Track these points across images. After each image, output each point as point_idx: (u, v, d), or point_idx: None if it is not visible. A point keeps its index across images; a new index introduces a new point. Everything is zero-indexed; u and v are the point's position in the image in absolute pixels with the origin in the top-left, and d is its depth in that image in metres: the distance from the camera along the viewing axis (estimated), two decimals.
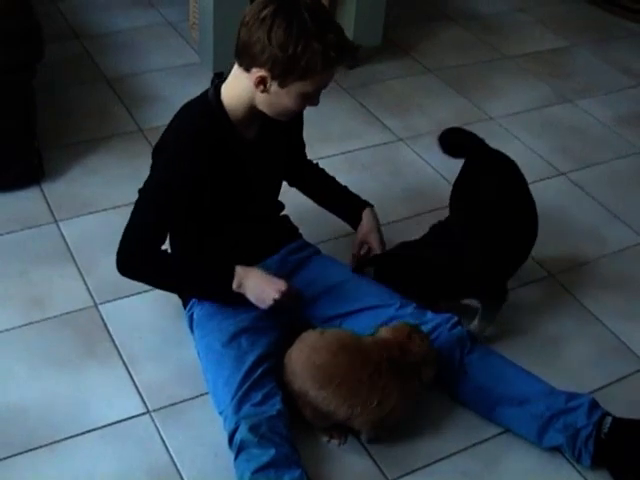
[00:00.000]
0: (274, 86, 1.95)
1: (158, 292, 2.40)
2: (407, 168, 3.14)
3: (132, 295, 2.46)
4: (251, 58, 1.93)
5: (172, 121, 2.10)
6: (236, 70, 2.02)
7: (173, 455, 2.06)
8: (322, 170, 2.49)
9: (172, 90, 3.37)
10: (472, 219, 2.35)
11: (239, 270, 2.10)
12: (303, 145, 2.42)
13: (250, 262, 2.16)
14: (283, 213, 2.45)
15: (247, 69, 1.96)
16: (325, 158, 2.98)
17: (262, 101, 2.01)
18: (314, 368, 2.03)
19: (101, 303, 2.45)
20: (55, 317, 2.39)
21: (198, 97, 2.11)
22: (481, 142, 2.52)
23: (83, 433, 2.09)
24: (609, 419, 2.07)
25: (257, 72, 1.94)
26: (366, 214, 2.40)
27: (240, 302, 2.13)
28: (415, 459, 2.09)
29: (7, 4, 2.65)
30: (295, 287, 2.15)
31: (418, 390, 2.10)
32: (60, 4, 4.01)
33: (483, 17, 4.31)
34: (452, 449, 2.12)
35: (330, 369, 2.02)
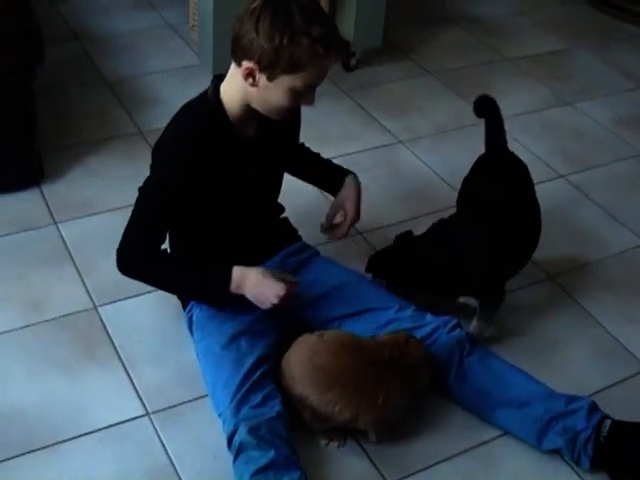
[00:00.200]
0: (263, 79, 1.95)
1: (158, 294, 2.41)
2: (406, 170, 3.14)
3: (131, 297, 2.46)
4: (241, 51, 1.94)
5: (172, 121, 2.10)
6: (232, 68, 2.02)
7: (172, 457, 2.06)
8: (305, 147, 2.48)
9: (172, 92, 3.37)
10: (475, 219, 2.36)
11: (237, 272, 2.09)
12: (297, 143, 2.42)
13: (249, 262, 2.15)
14: (283, 215, 2.45)
15: (239, 63, 1.97)
16: None
17: (254, 97, 2.01)
18: (317, 371, 2.03)
19: (100, 305, 2.45)
20: (54, 319, 2.39)
21: (198, 97, 2.12)
22: (499, 141, 2.52)
23: (82, 435, 2.09)
24: (608, 422, 2.07)
25: (246, 64, 1.94)
26: (348, 180, 2.38)
27: (237, 304, 2.13)
28: (414, 461, 2.09)
29: (7, 6, 2.66)
30: (295, 280, 2.13)
31: (417, 392, 2.11)
32: (60, 6, 4.01)
33: (483, 19, 4.31)
34: (451, 451, 2.12)
35: (334, 370, 2.03)
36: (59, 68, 3.47)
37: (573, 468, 2.10)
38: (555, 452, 2.11)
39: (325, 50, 1.90)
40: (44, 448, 2.05)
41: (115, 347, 2.32)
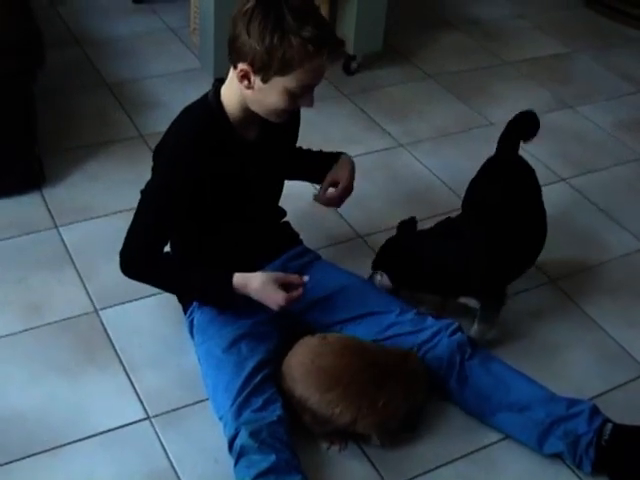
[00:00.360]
0: (257, 81, 1.95)
1: (158, 298, 2.41)
2: (407, 173, 3.14)
3: (132, 301, 2.46)
4: (235, 53, 1.94)
5: (172, 123, 2.10)
6: (231, 70, 2.02)
7: (173, 461, 2.05)
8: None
9: (173, 96, 3.37)
10: (478, 220, 2.36)
11: (238, 281, 2.08)
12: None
13: (250, 265, 2.15)
14: (284, 219, 2.45)
15: (234, 65, 1.97)
16: None
17: (251, 100, 2.01)
18: (319, 371, 2.03)
19: (101, 309, 2.45)
20: (55, 323, 2.39)
21: (199, 100, 2.12)
22: (511, 145, 2.53)
23: (83, 439, 2.09)
24: (610, 425, 2.07)
25: (240, 67, 1.94)
26: (342, 158, 2.37)
27: (240, 306, 2.13)
28: (415, 465, 2.09)
29: (7, 9, 2.66)
30: (303, 280, 2.11)
31: (417, 399, 2.10)
32: (61, 9, 4.01)
33: (483, 23, 4.31)
34: (452, 455, 2.12)
35: (337, 371, 2.03)
36: (60, 71, 3.47)
37: (574, 472, 2.10)
38: (556, 456, 2.11)
39: (317, 50, 1.89)
40: (44, 452, 2.05)
41: (116, 351, 2.32)
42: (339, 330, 2.24)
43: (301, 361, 2.07)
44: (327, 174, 2.36)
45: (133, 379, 2.25)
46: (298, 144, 2.39)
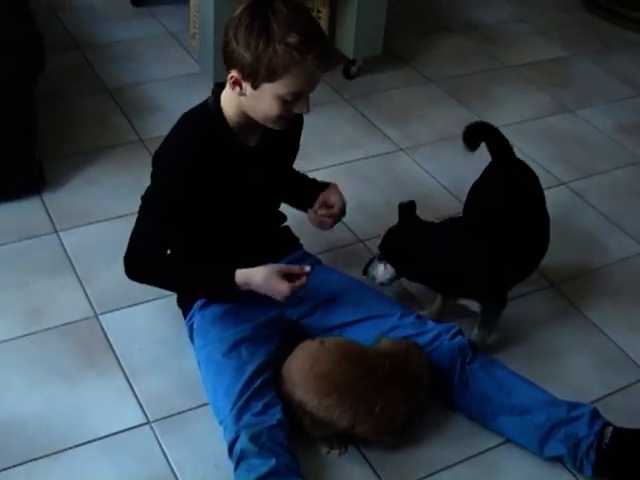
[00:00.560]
0: (248, 88, 1.95)
1: (159, 302, 2.41)
2: (407, 178, 3.13)
3: (132, 305, 2.46)
4: (227, 59, 1.95)
5: (172, 128, 2.11)
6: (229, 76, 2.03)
7: (173, 466, 2.05)
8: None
9: (173, 100, 3.37)
10: (479, 223, 2.36)
11: (240, 278, 2.09)
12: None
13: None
14: (284, 224, 2.45)
15: (228, 72, 1.97)
16: (326, 168, 2.99)
17: (246, 106, 2.01)
18: (318, 377, 2.03)
19: (101, 313, 2.44)
20: (55, 327, 2.39)
21: (199, 105, 2.12)
22: (507, 149, 2.53)
23: (83, 444, 2.08)
24: (610, 429, 2.06)
25: (232, 73, 1.95)
26: (332, 184, 2.35)
27: (246, 298, 2.14)
28: (416, 469, 2.09)
29: (8, 14, 2.66)
30: (306, 270, 2.13)
31: (419, 400, 2.10)
32: (61, 14, 4.02)
33: (483, 27, 4.31)
34: (453, 459, 2.12)
35: (334, 376, 2.02)
36: (60, 76, 3.47)
37: (575, 475, 2.09)
38: (557, 459, 2.10)
39: (302, 57, 1.88)
40: (45, 457, 2.05)
41: (116, 355, 2.32)
42: (339, 333, 2.23)
43: (300, 365, 2.07)
44: (317, 197, 2.34)
45: (133, 384, 2.24)
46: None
